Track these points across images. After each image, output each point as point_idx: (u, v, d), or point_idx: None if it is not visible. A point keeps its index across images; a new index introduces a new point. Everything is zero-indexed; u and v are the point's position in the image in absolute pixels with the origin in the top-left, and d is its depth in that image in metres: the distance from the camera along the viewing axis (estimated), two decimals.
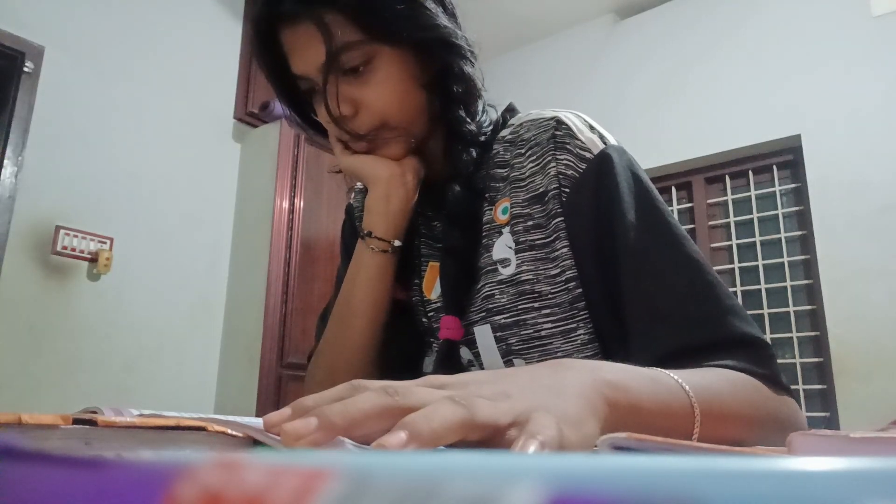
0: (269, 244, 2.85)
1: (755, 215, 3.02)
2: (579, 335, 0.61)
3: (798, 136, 2.88)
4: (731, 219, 3.07)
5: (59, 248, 2.40)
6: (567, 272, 0.61)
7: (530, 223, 0.63)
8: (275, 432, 0.29)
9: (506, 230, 0.64)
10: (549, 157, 0.63)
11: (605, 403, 0.35)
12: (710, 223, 3.12)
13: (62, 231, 2.42)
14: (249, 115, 3.11)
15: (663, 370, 0.43)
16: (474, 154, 0.67)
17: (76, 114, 2.52)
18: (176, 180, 2.84)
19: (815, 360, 2.73)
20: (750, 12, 3.11)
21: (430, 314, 0.69)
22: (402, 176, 0.67)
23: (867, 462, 0.10)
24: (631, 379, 0.39)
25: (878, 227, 2.61)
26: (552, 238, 0.62)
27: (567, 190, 0.62)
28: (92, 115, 2.57)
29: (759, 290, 2.92)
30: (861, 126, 2.73)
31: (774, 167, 3.01)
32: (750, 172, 3.07)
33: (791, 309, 2.84)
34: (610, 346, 0.60)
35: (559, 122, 0.64)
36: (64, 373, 2.35)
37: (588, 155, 0.62)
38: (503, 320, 0.62)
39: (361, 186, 0.83)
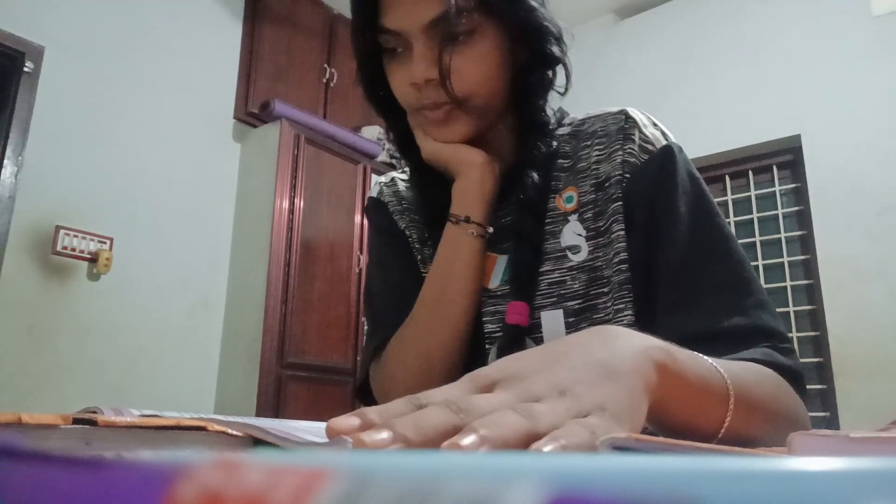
0: (269, 244, 2.85)
1: (755, 215, 3.02)
2: (626, 315, 0.62)
3: (798, 136, 2.88)
4: (731, 219, 3.07)
5: (59, 248, 2.40)
6: (620, 254, 0.63)
7: (597, 209, 0.66)
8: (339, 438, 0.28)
9: (573, 218, 0.67)
10: (617, 146, 0.66)
11: (655, 370, 0.35)
12: None
13: (62, 231, 2.42)
14: (249, 115, 3.11)
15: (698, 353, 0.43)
16: (548, 145, 0.69)
17: (76, 114, 2.53)
18: (176, 180, 2.84)
19: (815, 360, 2.73)
20: (750, 12, 3.11)
21: (488, 304, 0.70)
22: (493, 162, 0.68)
23: (867, 462, 0.10)
24: (676, 349, 0.39)
25: (878, 228, 2.61)
26: (610, 222, 0.64)
27: (628, 176, 0.64)
28: (92, 115, 2.57)
29: None
30: (861, 126, 2.73)
31: (774, 167, 3.01)
32: (750, 172, 3.07)
33: (791, 309, 2.84)
34: (644, 329, 0.61)
35: (627, 116, 0.67)
36: (64, 373, 2.35)
37: (651, 147, 0.65)
38: (577, 306, 0.64)
39: (387, 180, 0.83)
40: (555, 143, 0.70)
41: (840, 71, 2.82)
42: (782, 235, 2.93)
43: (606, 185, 0.65)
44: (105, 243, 2.53)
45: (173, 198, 2.82)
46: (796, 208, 2.93)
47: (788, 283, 2.86)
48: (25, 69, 2.36)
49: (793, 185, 2.96)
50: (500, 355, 0.64)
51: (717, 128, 3.07)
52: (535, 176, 0.67)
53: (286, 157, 2.99)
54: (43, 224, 2.38)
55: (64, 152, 2.46)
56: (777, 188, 2.99)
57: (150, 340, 2.64)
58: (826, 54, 2.87)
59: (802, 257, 2.86)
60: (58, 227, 2.41)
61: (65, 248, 2.42)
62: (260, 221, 2.93)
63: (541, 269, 0.67)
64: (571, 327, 0.64)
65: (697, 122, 3.13)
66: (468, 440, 0.26)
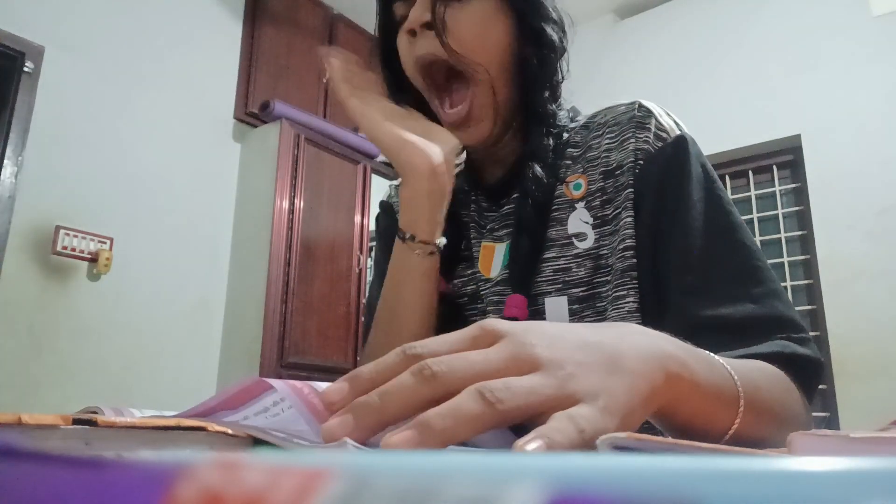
0: (269, 244, 2.85)
1: (755, 215, 3.02)
2: (627, 302, 0.61)
3: (798, 136, 2.88)
4: None
5: (59, 248, 2.40)
6: (627, 241, 0.62)
7: (605, 198, 0.65)
8: (333, 409, 0.30)
9: (580, 205, 0.66)
10: (629, 134, 0.65)
11: (664, 378, 0.34)
12: None
13: (62, 231, 2.42)
14: (249, 115, 3.11)
15: (712, 354, 0.42)
16: (556, 137, 0.69)
17: (76, 114, 2.52)
18: (176, 180, 2.84)
19: None
20: (750, 12, 3.11)
21: (484, 293, 0.69)
22: (443, 166, 0.64)
23: (867, 462, 0.10)
24: (691, 356, 0.38)
25: (878, 228, 2.61)
26: (620, 209, 0.64)
27: (641, 162, 0.64)
28: (92, 115, 2.57)
29: None
30: (861, 126, 2.73)
31: (774, 167, 3.01)
32: (750, 172, 3.07)
33: None
34: (649, 317, 0.61)
35: (641, 105, 0.67)
36: (64, 373, 2.35)
37: (666, 136, 0.65)
38: (581, 293, 0.64)
39: (398, 182, 0.80)
40: (565, 135, 0.70)
41: (840, 71, 2.82)
42: (782, 235, 2.93)
43: (617, 172, 0.65)
44: (105, 243, 2.53)
45: (173, 198, 2.82)
46: (796, 208, 2.93)
47: (788, 284, 2.86)
48: (25, 69, 2.36)
49: (793, 185, 2.96)
50: None
51: (717, 128, 3.07)
52: (538, 168, 0.67)
53: (286, 157, 2.99)
54: (43, 224, 2.38)
55: (64, 152, 2.46)
56: (777, 188, 2.99)
57: (150, 340, 2.64)
58: (826, 54, 2.87)
59: (802, 257, 2.86)
60: (58, 227, 2.41)
61: (65, 248, 2.42)
62: (260, 221, 2.93)
63: (546, 256, 0.66)
64: (575, 314, 0.63)
65: (697, 122, 3.12)
66: (401, 437, 0.27)
